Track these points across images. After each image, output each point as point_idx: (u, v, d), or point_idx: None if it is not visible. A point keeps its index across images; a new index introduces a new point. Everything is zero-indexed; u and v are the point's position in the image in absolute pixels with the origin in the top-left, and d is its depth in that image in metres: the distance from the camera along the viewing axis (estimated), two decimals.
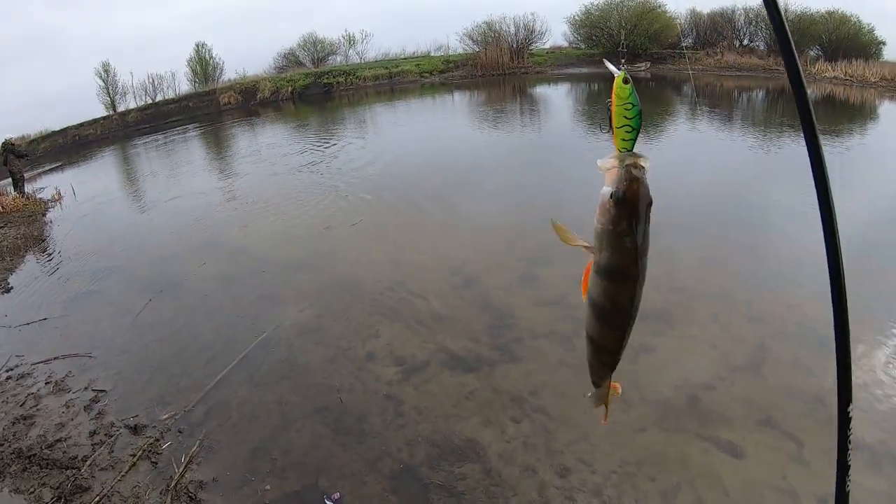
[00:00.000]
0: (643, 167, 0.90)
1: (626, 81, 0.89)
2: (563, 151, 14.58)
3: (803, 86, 0.69)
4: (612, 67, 0.91)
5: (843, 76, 40.08)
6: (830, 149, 15.33)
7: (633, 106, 0.88)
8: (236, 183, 14.12)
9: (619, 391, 1.35)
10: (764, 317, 5.85)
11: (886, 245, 7.38)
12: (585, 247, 1.13)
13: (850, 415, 0.80)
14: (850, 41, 45.45)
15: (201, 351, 6.01)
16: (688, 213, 8.77)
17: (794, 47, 0.76)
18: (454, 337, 5.72)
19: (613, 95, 0.91)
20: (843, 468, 1.13)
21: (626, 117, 0.88)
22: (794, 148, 14.50)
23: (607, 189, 0.97)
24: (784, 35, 0.71)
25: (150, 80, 45.14)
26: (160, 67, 50.60)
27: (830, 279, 0.73)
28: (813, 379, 4.86)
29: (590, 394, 1.43)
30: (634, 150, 0.94)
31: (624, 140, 0.89)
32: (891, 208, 8.76)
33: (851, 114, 22.95)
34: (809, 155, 0.70)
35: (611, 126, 0.92)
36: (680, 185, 10.08)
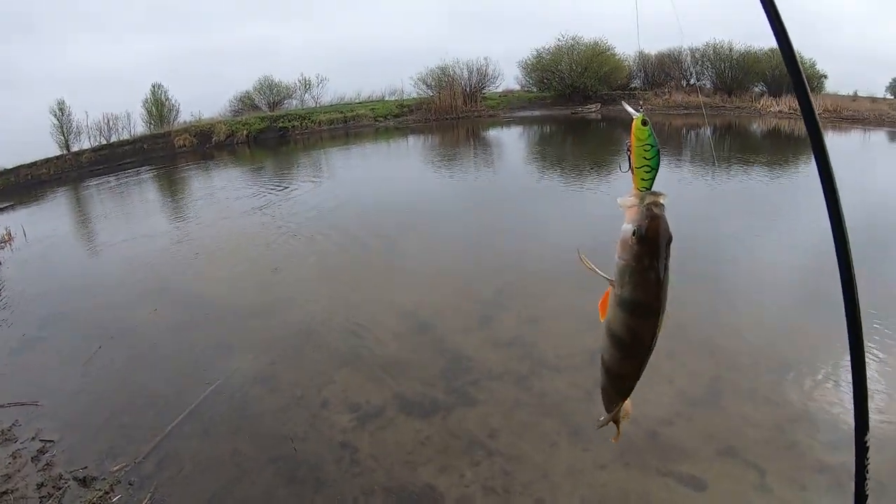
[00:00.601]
0: (662, 205, 0.92)
1: (644, 123, 0.91)
2: (516, 193, 14.72)
3: (815, 115, 0.73)
4: (630, 109, 0.93)
5: (787, 110, 41.36)
6: (781, 179, 15.77)
7: (652, 147, 0.90)
8: (189, 227, 13.94)
9: (630, 411, 1.34)
10: (718, 350, 5.95)
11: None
12: (608, 280, 1.13)
13: (867, 444, 0.80)
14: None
15: (152, 400, 5.86)
16: None
17: (807, 88, 0.80)
18: (409, 381, 5.67)
19: (633, 136, 0.93)
20: (860, 499, 1.13)
21: (645, 157, 0.90)
22: (742, 181, 14.94)
23: (629, 226, 0.99)
24: (799, 76, 0.75)
25: (106, 120, 44.55)
26: (116, 108, 50.04)
27: (847, 317, 0.75)
28: (770, 407, 4.96)
29: (602, 418, 1.43)
30: (653, 189, 0.95)
31: (643, 179, 0.91)
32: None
33: (797, 145, 23.65)
34: (823, 187, 0.74)
35: (630, 166, 0.94)
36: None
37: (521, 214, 11.84)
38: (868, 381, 1.81)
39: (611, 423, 1.31)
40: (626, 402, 1.31)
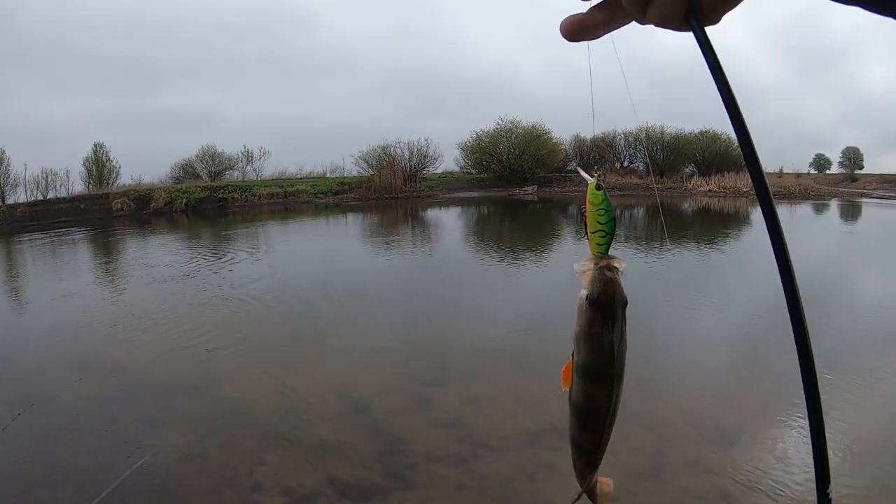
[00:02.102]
0: (617, 268, 0.89)
1: (598, 188, 0.88)
2: (454, 272, 14.85)
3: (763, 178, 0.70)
4: (584, 175, 0.90)
5: (716, 189, 43.20)
6: (713, 253, 16.27)
7: (606, 212, 0.87)
8: (121, 294, 13.61)
9: (611, 486, 1.24)
10: (658, 423, 5.97)
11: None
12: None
13: (830, 496, 0.74)
14: (721, 157, 49.40)
15: (73, 475, 5.52)
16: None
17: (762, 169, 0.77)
18: (345, 464, 5.48)
19: (587, 202, 0.90)
20: None
21: (599, 222, 0.87)
22: (672, 258, 15.38)
23: (584, 291, 0.94)
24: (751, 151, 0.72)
25: (44, 175, 43.85)
26: (55, 163, 49.31)
27: (801, 369, 0.70)
28: (712, 476, 4.98)
29: (577, 498, 1.35)
30: (609, 254, 0.91)
31: (598, 244, 0.88)
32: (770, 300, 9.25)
33: (726, 221, 24.66)
34: (774, 249, 0.69)
35: (585, 231, 0.90)
36: (567, 301, 10.30)
37: (459, 294, 11.89)
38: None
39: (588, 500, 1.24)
40: (606, 479, 1.23)
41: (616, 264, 0.88)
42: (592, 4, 0.79)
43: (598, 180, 0.90)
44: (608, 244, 0.89)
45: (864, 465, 5.16)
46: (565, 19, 0.80)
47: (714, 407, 6.39)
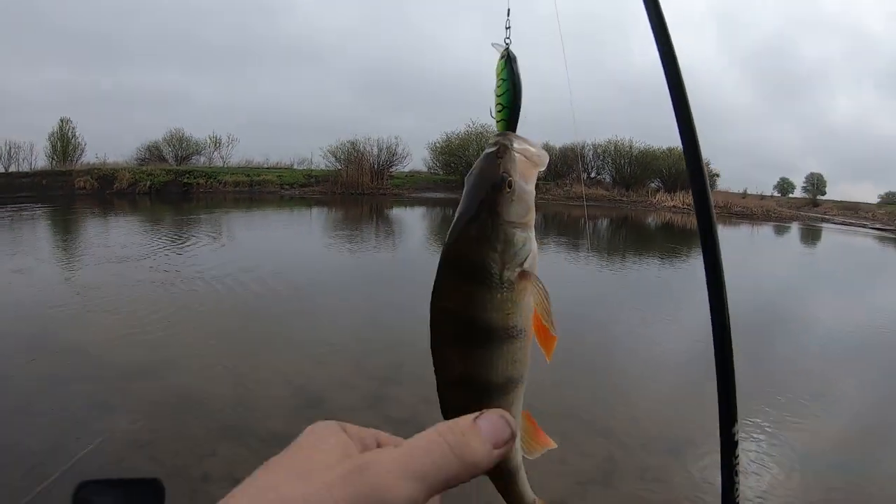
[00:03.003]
0: (507, 145, 0.71)
1: (502, 57, 0.81)
2: (413, 272, 14.85)
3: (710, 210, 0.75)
4: (495, 46, 0.82)
5: (681, 205, 43.79)
6: (672, 268, 16.48)
7: (504, 81, 0.80)
8: (80, 274, 13.40)
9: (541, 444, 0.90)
10: (609, 431, 6.09)
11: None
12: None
13: (737, 437, 0.76)
14: (687, 174, 49.88)
15: (23, 458, 5.42)
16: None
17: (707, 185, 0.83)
18: None
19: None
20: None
21: (496, 94, 0.80)
22: (634, 270, 15.57)
23: None
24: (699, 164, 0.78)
25: (7, 147, 42.94)
26: (18, 135, 48.27)
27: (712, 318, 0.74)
28: (661, 484, 5.12)
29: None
30: (513, 132, 0.79)
31: (497, 121, 0.79)
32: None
33: (687, 238, 24.98)
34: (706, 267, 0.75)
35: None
36: None
37: (418, 294, 11.88)
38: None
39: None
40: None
41: (505, 141, 0.73)
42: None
43: (507, 49, 0.82)
44: (506, 119, 0.80)
45: (811, 482, 5.30)
46: None
47: (666, 417, 6.50)
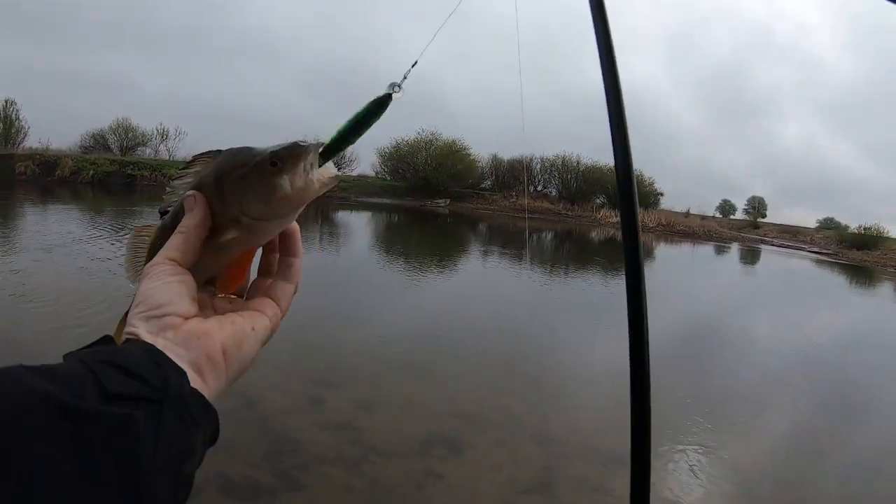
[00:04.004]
0: (307, 149, 0.82)
1: (380, 98, 0.83)
2: (354, 277, 14.85)
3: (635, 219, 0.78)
4: (391, 86, 0.83)
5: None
6: (613, 282, 16.73)
7: (364, 115, 0.81)
8: (17, 264, 12.98)
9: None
10: (548, 439, 6.15)
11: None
12: None
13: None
14: None
15: None
16: (474, 343, 9.17)
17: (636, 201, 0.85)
18: (232, 461, 5.37)
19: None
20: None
21: (351, 118, 0.82)
22: (574, 282, 15.82)
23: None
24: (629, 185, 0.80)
25: None
26: None
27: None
28: (599, 494, 5.22)
29: None
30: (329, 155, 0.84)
31: (333, 136, 0.82)
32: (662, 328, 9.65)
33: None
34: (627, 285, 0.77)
35: None
36: (465, 317, 10.48)
37: (358, 300, 11.86)
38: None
39: None
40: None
41: (314, 148, 0.82)
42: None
43: (390, 90, 0.85)
44: (337, 140, 0.83)
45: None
46: None
47: (605, 428, 6.57)
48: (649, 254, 28.32)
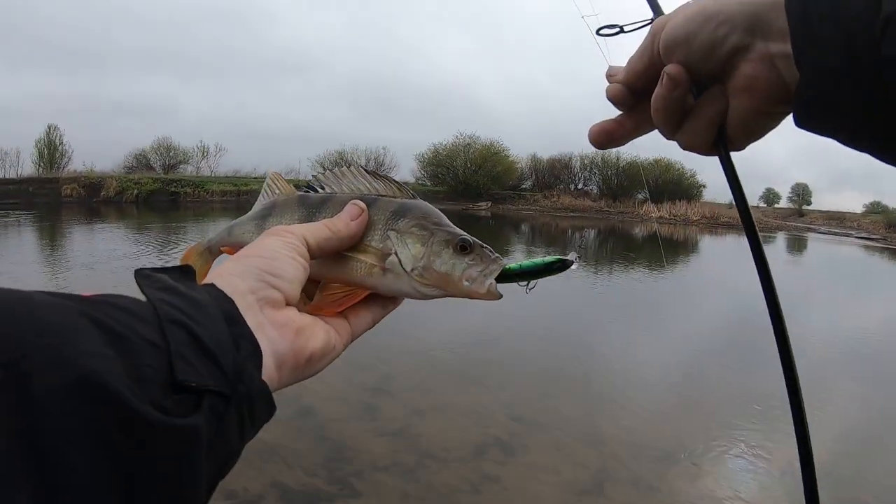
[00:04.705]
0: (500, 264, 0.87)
1: (562, 262, 0.87)
2: None
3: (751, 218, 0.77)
4: (571, 257, 0.88)
5: (667, 216, 44.01)
6: (659, 279, 16.56)
7: (545, 265, 0.86)
8: (61, 279, 13.23)
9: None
10: (601, 440, 6.08)
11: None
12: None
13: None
14: (674, 185, 50.26)
15: None
16: (525, 347, 9.14)
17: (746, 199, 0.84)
18: (289, 470, 5.44)
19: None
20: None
21: (538, 261, 0.86)
22: (620, 281, 15.62)
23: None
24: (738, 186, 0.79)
25: None
26: (4, 142, 48.24)
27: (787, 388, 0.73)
28: (654, 494, 5.11)
29: None
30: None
31: (519, 264, 0.87)
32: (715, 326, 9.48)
33: (674, 248, 25.09)
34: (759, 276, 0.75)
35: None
36: (513, 320, 10.43)
37: (405, 306, 11.86)
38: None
39: None
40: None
41: (498, 266, 0.86)
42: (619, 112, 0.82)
43: (573, 259, 0.89)
44: (511, 268, 0.87)
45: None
46: (594, 127, 0.84)
47: (657, 427, 6.51)
48: (693, 248, 28.02)
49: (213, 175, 47.36)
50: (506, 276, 0.87)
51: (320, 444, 5.98)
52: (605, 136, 0.84)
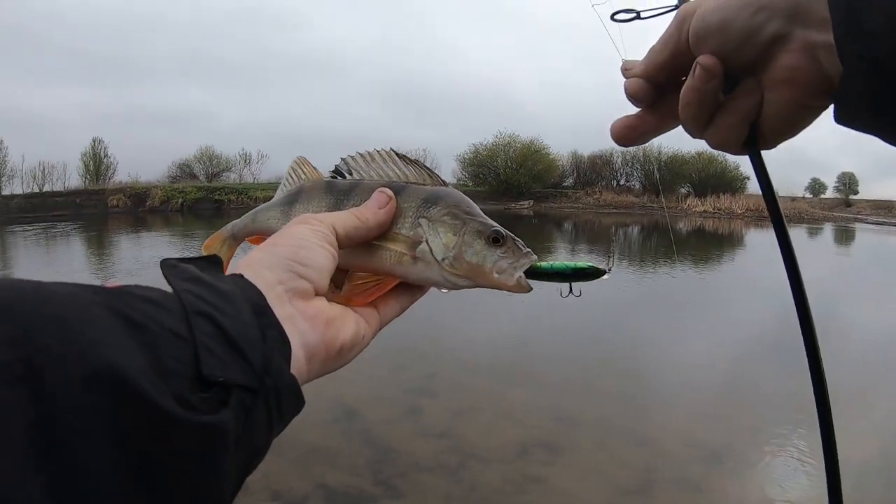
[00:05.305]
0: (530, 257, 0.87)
1: (595, 269, 0.86)
2: (436, 291, 14.87)
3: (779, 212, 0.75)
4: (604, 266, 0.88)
5: (711, 210, 43.46)
6: (705, 274, 16.34)
7: (575, 269, 0.85)
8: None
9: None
10: (646, 440, 6.01)
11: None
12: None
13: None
14: (717, 178, 49.51)
15: None
16: (568, 346, 9.07)
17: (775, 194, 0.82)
18: (334, 471, 5.47)
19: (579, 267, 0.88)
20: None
21: (571, 264, 0.86)
22: (664, 277, 15.45)
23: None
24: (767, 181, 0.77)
25: (41, 167, 44.00)
26: (52, 156, 49.41)
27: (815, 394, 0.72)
28: (700, 494, 5.05)
29: None
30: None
31: (550, 265, 0.87)
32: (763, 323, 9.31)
33: (719, 242, 24.71)
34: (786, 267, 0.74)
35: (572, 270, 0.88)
36: (556, 317, 10.36)
37: (448, 307, 11.85)
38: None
39: None
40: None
41: (529, 260, 0.86)
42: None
43: (605, 269, 0.88)
44: (550, 269, 0.87)
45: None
46: (616, 123, 0.82)
47: (705, 426, 6.42)
48: (739, 242, 27.56)
49: (255, 182, 47.93)
50: (535, 273, 0.86)
51: (365, 445, 6.01)
52: (629, 131, 0.81)
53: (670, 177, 51.12)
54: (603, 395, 7.24)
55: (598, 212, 42.03)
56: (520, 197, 47.49)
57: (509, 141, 50.63)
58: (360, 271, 0.86)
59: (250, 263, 0.67)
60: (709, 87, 0.67)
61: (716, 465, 5.53)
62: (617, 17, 0.92)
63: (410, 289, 0.90)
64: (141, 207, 38.82)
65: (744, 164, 54.41)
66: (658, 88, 0.76)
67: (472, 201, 0.90)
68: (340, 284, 0.85)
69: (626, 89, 0.78)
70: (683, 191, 52.14)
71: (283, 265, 0.67)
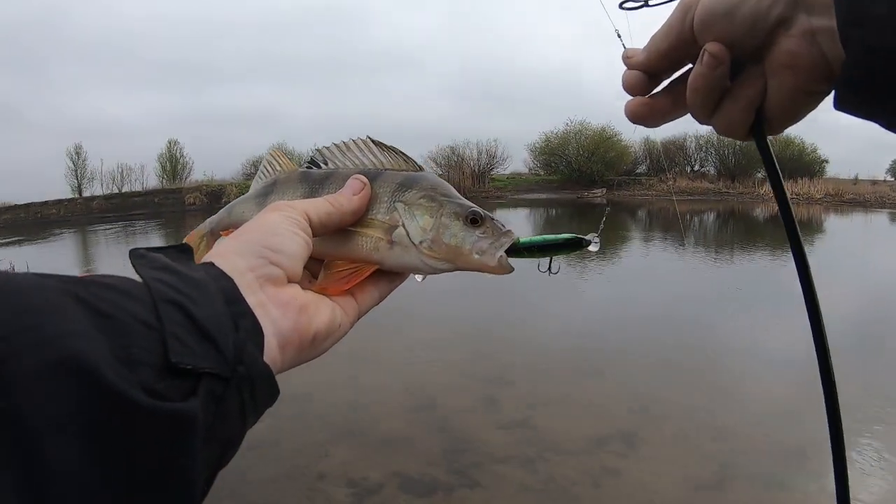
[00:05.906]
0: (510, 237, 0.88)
1: (581, 240, 0.85)
2: (519, 276, 14.83)
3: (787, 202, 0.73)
4: (590, 237, 0.86)
5: (790, 195, 41.90)
6: (784, 263, 15.87)
7: (553, 242, 0.84)
8: None
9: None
10: (727, 434, 5.92)
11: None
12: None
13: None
14: (794, 161, 47.99)
15: None
16: (645, 336, 8.96)
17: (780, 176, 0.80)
18: (410, 460, 5.54)
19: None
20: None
21: (549, 237, 0.85)
22: (742, 266, 15.12)
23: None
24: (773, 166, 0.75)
25: (120, 169, 45.67)
26: (127, 159, 51.23)
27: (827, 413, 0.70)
28: (775, 492, 4.97)
29: None
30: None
31: (530, 239, 0.85)
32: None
33: (803, 229, 24.13)
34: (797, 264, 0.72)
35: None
36: (637, 308, 10.24)
37: (525, 298, 11.81)
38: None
39: None
40: None
41: (509, 239, 0.86)
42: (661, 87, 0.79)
43: (591, 240, 0.89)
44: (530, 243, 0.88)
45: None
46: (630, 102, 0.81)
47: (783, 423, 6.25)
48: (818, 228, 26.66)
49: None
50: (517, 250, 0.87)
51: (440, 435, 6.06)
52: (645, 108, 0.80)
53: (745, 161, 49.76)
54: (682, 387, 7.15)
55: (672, 199, 41.21)
56: (592, 185, 46.90)
57: (580, 128, 50.03)
58: (338, 260, 0.85)
59: (221, 252, 0.67)
60: (717, 74, 0.68)
61: (795, 461, 5.40)
62: (625, 5, 0.91)
63: (389, 276, 0.89)
64: (217, 204, 39.76)
65: (823, 145, 52.56)
66: (657, 79, 0.77)
67: (449, 185, 0.89)
68: (318, 276, 0.84)
69: (623, 81, 0.79)
70: (760, 175, 50.69)
71: (254, 252, 0.66)
